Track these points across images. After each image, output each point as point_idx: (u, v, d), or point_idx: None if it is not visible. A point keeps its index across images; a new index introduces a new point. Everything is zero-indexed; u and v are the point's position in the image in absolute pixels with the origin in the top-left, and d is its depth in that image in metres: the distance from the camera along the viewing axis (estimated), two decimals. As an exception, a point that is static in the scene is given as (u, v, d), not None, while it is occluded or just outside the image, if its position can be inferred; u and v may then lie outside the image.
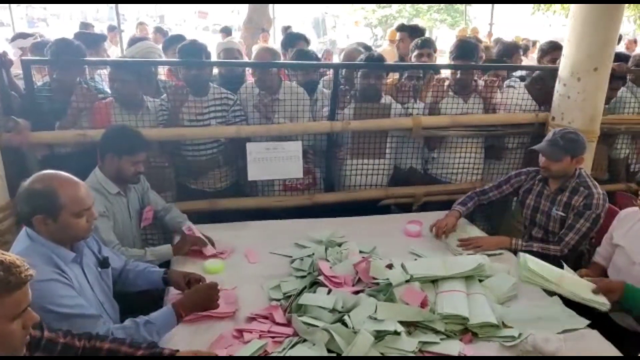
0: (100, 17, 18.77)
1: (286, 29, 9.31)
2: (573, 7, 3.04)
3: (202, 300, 1.90)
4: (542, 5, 14.34)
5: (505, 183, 2.88)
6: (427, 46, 3.72)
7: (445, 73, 3.57)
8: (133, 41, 4.02)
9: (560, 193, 2.64)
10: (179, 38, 3.87)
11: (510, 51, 4.28)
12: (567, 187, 2.61)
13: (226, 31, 9.08)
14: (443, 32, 19.34)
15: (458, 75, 3.36)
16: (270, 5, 11.90)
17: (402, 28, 4.36)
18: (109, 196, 2.42)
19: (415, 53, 3.74)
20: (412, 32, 4.26)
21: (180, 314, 1.82)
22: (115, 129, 2.55)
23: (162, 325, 1.79)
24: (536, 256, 2.29)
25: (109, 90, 3.18)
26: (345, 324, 1.84)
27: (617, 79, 3.43)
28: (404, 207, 3.47)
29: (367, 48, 3.95)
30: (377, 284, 2.11)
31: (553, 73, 3.24)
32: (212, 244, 2.52)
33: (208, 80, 3.15)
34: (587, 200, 2.53)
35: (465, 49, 3.39)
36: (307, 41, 4.26)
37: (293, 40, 4.14)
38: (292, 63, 3.47)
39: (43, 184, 1.70)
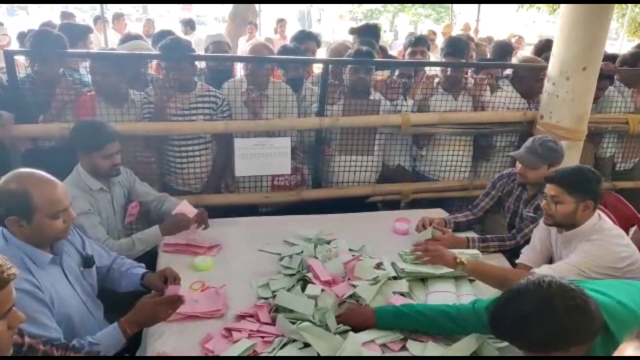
0: (82, 5, 18.34)
1: (280, 21, 9.24)
2: (562, 6, 3.04)
3: (148, 316, 1.76)
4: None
5: (492, 189, 2.84)
6: (421, 44, 3.71)
7: (435, 70, 3.56)
8: (125, 39, 3.88)
9: (535, 197, 2.63)
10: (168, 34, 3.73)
11: (505, 51, 4.26)
12: (543, 192, 2.61)
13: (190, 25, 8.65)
14: (428, 27, 19.34)
15: (448, 73, 3.36)
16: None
17: (352, 31, 4.25)
18: (92, 192, 2.37)
19: (409, 51, 3.72)
20: (360, 34, 4.08)
21: (127, 331, 1.72)
22: (78, 126, 2.47)
23: (107, 346, 1.70)
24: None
25: (94, 84, 3.11)
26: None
27: (604, 79, 3.43)
28: (391, 205, 3.46)
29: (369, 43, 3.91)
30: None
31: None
32: (206, 222, 2.52)
33: (191, 79, 3.03)
34: None
35: (456, 46, 3.40)
36: (317, 42, 4.13)
37: (303, 39, 4.05)
38: (282, 58, 3.42)
39: (16, 185, 1.64)
